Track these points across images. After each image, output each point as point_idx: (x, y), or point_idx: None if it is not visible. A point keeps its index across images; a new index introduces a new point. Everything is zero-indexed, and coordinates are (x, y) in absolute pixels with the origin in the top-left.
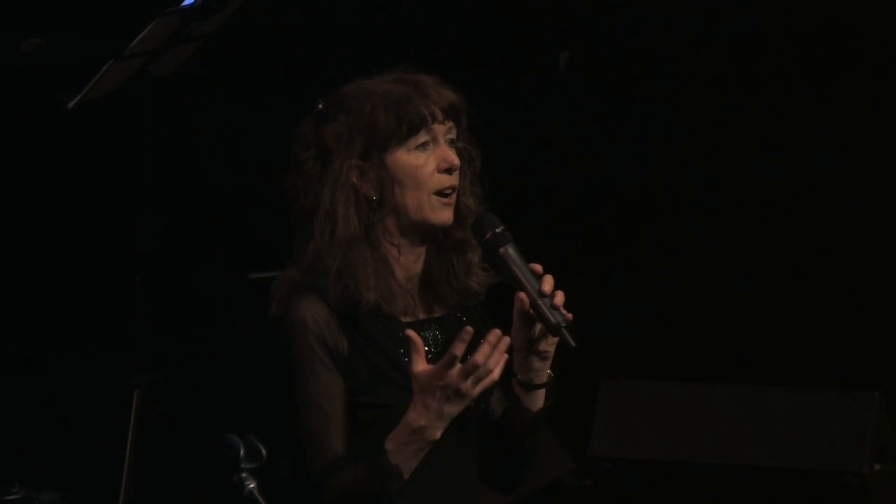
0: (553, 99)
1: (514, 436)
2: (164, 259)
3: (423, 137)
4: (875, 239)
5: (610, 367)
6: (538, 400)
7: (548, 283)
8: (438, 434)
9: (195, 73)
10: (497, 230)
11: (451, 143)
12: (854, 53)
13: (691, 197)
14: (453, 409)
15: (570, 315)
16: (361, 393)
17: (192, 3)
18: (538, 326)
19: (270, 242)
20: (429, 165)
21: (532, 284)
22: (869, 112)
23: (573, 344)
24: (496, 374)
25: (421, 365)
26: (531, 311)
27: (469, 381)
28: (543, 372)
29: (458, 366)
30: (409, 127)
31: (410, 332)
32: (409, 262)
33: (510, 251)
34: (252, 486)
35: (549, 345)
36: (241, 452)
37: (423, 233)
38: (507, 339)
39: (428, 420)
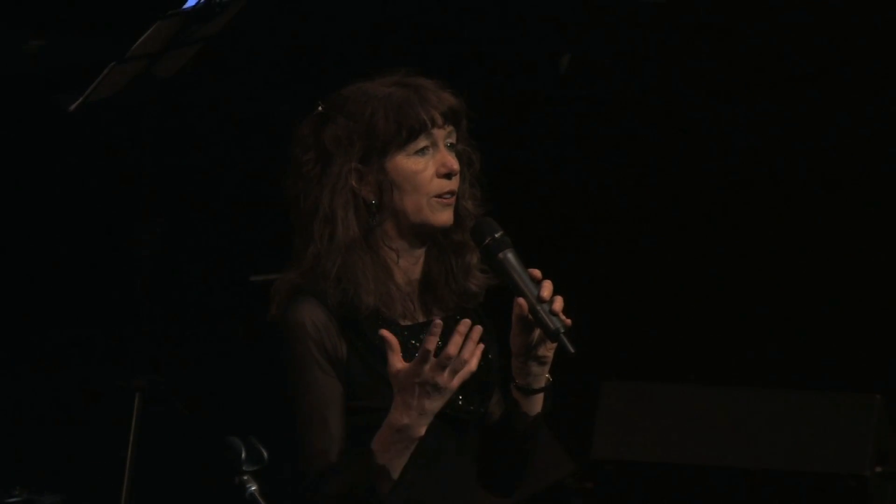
0: (553, 99)
1: (512, 440)
2: (165, 261)
3: (422, 142)
4: (876, 240)
5: (611, 369)
6: (536, 404)
7: (547, 288)
8: (422, 431)
9: (197, 76)
10: (496, 235)
11: (451, 146)
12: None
13: (692, 197)
14: (434, 405)
15: (568, 321)
16: (360, 397)
17: (193, 6)
18: (537, 332)
19: (271, 245)
20: (428, 170)
21: (531, 290)
22: (868, 112)
23: (571, 350)
24: (473, 364)
25: (398, 364)
26: (530, 316)
27: (445, 374)
28: (542, 377)
29: (433, 360)
30: (408, 132)
31: (385, 333)
32: (408, 265)
33: (509, 256)
34: (253, 488)
35: (548, 350)
36: (243, 455)
37: (423, 235)
38: (479, 329)
39: (410, 418)
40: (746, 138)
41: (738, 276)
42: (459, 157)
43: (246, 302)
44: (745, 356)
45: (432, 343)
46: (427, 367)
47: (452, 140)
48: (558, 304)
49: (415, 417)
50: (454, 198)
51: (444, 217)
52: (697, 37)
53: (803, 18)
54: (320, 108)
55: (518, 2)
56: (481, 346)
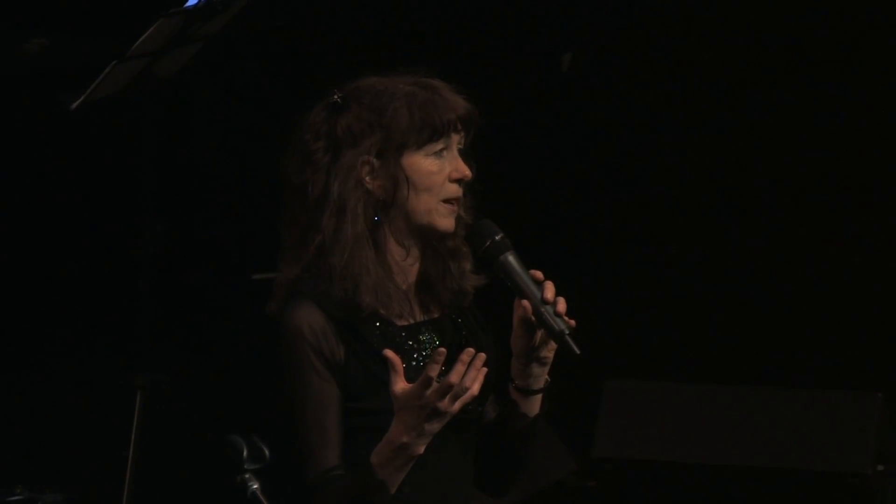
0: (553, 100)
1: (511, 440)
2: (167, 259)
3: (440, 144)
4: (878, 239)
5: (614, 368)
6: (535, 405)
7: (549, 290)
8: (421, 449)
9: (198, 75)
10: (496, 238)
11: (461, 152)
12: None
13: (694, 197)
14: (434, 427)
15: (573, 322)
16: (359, 399)
17: (195, 4)
18: (540, 333)
19: (273, 243)
20: (442, 173)
21: (534, 292)
22: (868, 112)
23: (577, 351)
24: (475, 389)
25: (400, 384)
26: (533, 318)
27: (446, 400)
28: (542, 377)
29: (435, 385)
30: (431, 132)
31: (389, 353)
32: (407, 265)
33: (510, 259)
34: (255, 486)
35: (549, 351)
36: (245, 453)
37: (425, 237)
38: (482, 356)
39: (409, 437)
40: (747, 138)
41: (740, 274)
42: (465, 163)
43: (248, 300)
44: (746, 355)
45: (434, 370)
46: (429, 392)
47: (462, 146)
48: (562, 305)
49: (414, 437)
50: (458, 205)
51: (448, 223)
52: (698, 35)
53: (806, 15)
54: (336, 97)
55: (518, 1)
56: (484, 370)
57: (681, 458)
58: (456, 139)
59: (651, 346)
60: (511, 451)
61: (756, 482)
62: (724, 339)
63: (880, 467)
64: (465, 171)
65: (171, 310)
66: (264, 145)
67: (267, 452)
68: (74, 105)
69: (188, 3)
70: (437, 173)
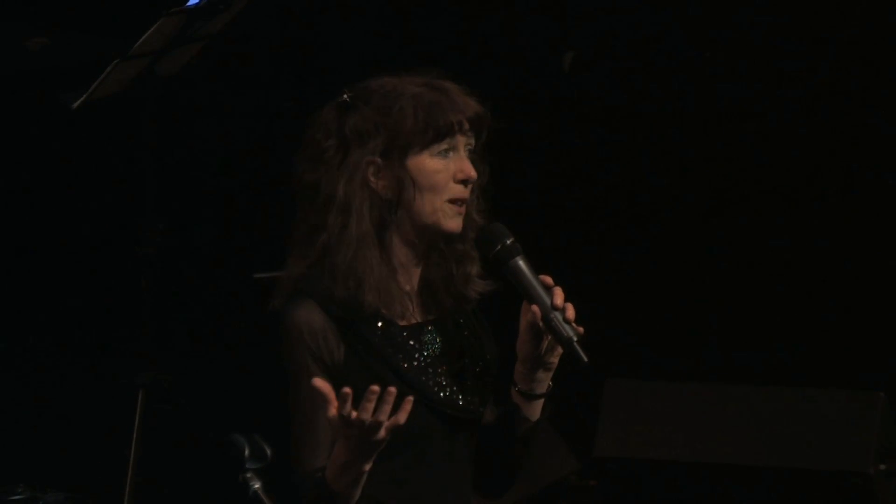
0: (554, 100)
1: (511, 444)
2: (168, 258)
3: (445, 144)
4: (880, 238)
5: (615, 367)
6: (536, 410)
7: (559, 296)
8: (367, 466)
9: (200, 73)
10: (507, 242)
11: (470, 154)
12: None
13: (695, 197)
14: (371, 448)
15: (581, 329)
16: (359, 398)
17: (196, 3)
18: (547, 339)
19: (275, 242)
20: (446, 173)
21: (543, 297)
22: (870, 112)
23: (584, 359)
24: (401, 418)
25: (331, 412)
26: (542, 324)
27: (369, 433)
28: (545, 382)
29: (353, 421)
30: (435, 132)
31: (317, 382)
32: (410, 266)
33: (520, 263)
34: (257, 485)
35: (555, 357)
36: (247, 452)
37: (430, 239)
38: (392, 391)
39: (352, 457)
40: (748, 138)
41: (742, 273)
42: (474, 166)
43: (249, 299)
44: (748, 354)
45: (354, 414)
46: (351, 428)
47: (471, 147)
48: (571, 312)
49: (357, 456)
50: (465, 206)
51: (455, 224)
52: (698, 33)
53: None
54: (346, 97)
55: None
56: (407, 409)
57: (682, 457)
58: (463, 141)
59: (652, 345)
60: (509, 455)
61: (757, 481)
62: (725, 339)
63: (882, 466)
64: (470, 172)
65: (172, 309)
66: (265, 145)
67: (269, 452)
68: (76, 104)
69: (190, 3)
70: (441, 172)
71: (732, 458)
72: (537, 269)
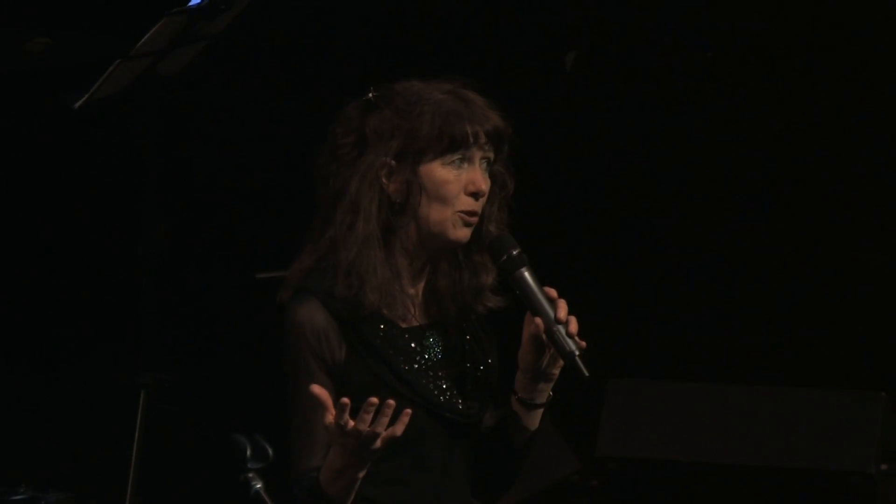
0: (555, 101)
1: (509, 452)
2: (169, 258)
3: (459, 155)
4: (881, 238)
5: (616, 367)
6: (536, 418)
7: (563, 309)
8: (362, 473)
9: (201, 73)
10: (513, 252)
11: (487, 167)
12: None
13: (697, 197)
14: (366, 457)
15: (583, 343)
16: (359, 398)
17: (198, 3)
18: (549, 351)
19: (276, 242)
20: (457, 184)
21: (547, 310)
22: (872, 112)
23: (586, 373)
24: (397, 430)
25: (328, 419)
26: (544, 336)
27: (365, 442)
28: (545, 392)
29: (353, 433)
30: (450, 142)
31: (315, 388)
32: (415, 272)
33: (525, 275)
34: (258, 486)
35: (556, 368)
36: (248, 452)
37: (437, 247)
38: (390, 403)
39: (346, 464)
40: (749, 137)
41: (743, 273)
42: (494, 178)
43: (251, 299)
44: (750, 354)
45: (351, 424)
46: (347, 438)
47: (489, 160)
48: (574, 325)
49: (351, 463)
50: (476, 218)
51: (462, 234)
52: (699, 32)
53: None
54: (371, 96)
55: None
56: (405, 421)
57: (683, 456)
58: (479, 154)
59: (654, 345)
60: (506, 463)
61: (759, 481)
62: (727, 338)
63: (884, 466)
64: (481, 185)
65: (173, 308)
66: (266, 145)
67: (270, 452)
68: (78, 104)
69: (192, 3)
70: (452, 183)
71: (734, 458)
72: (541, 278)
